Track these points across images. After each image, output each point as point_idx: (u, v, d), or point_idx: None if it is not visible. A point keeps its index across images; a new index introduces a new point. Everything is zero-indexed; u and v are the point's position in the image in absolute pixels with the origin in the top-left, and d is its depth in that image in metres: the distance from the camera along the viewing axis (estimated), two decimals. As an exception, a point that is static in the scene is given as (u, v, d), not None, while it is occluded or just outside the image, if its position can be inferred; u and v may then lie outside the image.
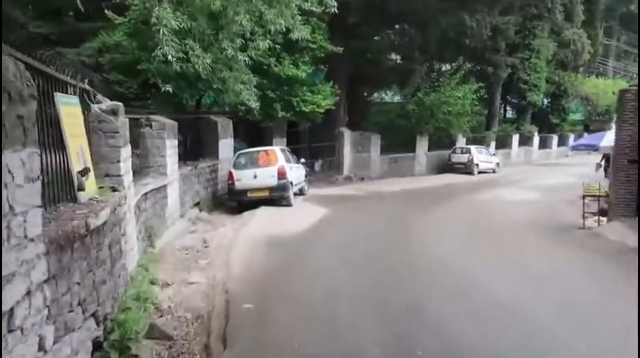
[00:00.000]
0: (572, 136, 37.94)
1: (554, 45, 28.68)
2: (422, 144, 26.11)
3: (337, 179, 21.94)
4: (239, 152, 14.27)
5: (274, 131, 17.74)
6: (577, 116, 37.78)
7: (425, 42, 21.38)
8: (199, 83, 13.51)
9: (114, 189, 6.30)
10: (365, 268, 8.22)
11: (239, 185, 13.51)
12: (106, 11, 14.47)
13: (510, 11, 24.88)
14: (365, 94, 26.57)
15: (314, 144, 21.39)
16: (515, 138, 31.83)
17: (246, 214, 13.06)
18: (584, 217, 12.62)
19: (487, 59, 25.21)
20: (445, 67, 27.19)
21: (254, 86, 12.72)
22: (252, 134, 19.31)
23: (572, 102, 35.67)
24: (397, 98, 31.02)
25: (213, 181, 14.39)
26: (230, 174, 13.63)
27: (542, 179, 23.99)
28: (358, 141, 23.41)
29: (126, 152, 7.00)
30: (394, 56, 25.29)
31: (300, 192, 15.83)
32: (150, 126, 10.29)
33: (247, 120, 17.09)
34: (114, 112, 6.53)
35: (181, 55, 9.67)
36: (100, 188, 6.23)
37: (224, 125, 14.86)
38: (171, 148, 10.70)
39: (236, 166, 13.77)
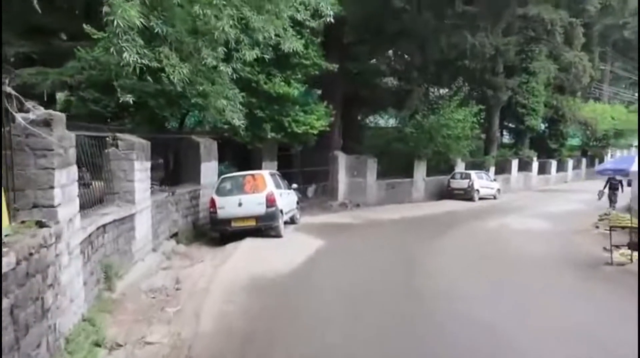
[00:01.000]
0: (570, 162, 36.79)
1: (555, 67, 27.58)
2: (420, 169, 24.66)
3: (332, 206, 20.36)
4: (223, 176, 12.70)
5: (264, 153, 16.21)
6: (575, 141, 36.68)
7: (424, 63, 20.14)
8: (180, 100, 12.01)
9: (40, 225, 4.70)
10: (370, 322, 6.58)
11: (222, 213, 11.90)
12: (85, 26, 13.05)
13: (509, 33, 23.85)
14: (359, 117, 25.24)
15: (306, 169, 19.86)
16: (515, 163, 30.53)
17: (229, 246, 11.42)
18: (611, 251, 11.11)
19: (486, 81, 24.03)
20: (444, 90, 25.91)
21: (241, 103, 11.25)
22: (239, 157, 17.77)
23: (570, 127, 34.54)
24: (392, 122, 29.71)
25: (194, 209, 12.77)
26: (213, 201, 12.03)
27: (546, 206, 22.62)
28: (353, 165, 21.93)
29: (67, 175, 5.41)
30: (391, 78, 24.08)
31: (292, 221, 14.24)
32: (117, 146, 8.73)
33: (234, 142, 15.60)
34: (46, 123, 4.98)
35: (152, 63, 8.21)
36: (22, 222, 4.64)
37: (208, 146, 13.32)
38: (141, 171, 9.12)
39: (219, 192, 12.18)
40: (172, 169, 13.29)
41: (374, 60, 21.54)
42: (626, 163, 10.22)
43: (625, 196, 20.25)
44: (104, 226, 7.30)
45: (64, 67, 13.23)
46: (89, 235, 6.51)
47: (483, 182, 25.28)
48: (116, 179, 8.61)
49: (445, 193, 25.30)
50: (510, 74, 27.63)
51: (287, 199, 13.37)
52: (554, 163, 34.42)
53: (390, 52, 22.44)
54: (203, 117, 14.60)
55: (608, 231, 16.27)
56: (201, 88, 9.83)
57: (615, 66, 46.02)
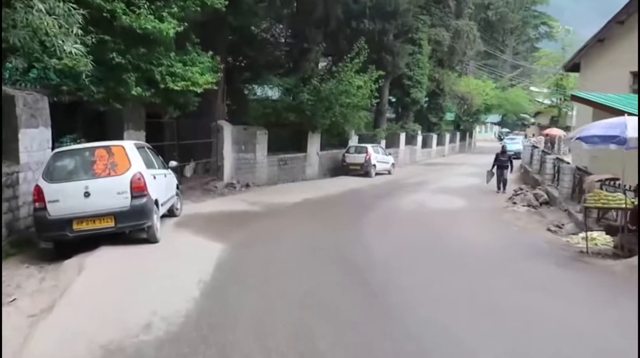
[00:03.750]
0: (447, 136, 36.24)
1: (449, 35, 25.68)
2: (313, 143, 21.17)
3: (217, 188, 15.95)
4: (57, 151, 7.69)
5: (125, 120, 11.24)
6: (449, 116, 36.17)
7: (324, 18, 16.39)
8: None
9: None
10: None
11: (55, 210, 7.06)
12: None
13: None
14: (244, 82, 20.80)
15: (183, 142, 15.14)
16: (403, 137, 28.56)
17: (70, 264, 6.70)
18: (587, 237, 8.61)
19: (385, 44, 21.07)
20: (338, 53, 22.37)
21: (82, 34, 6.54)
22: (95, 127, 12.47)
23: (448, 102, 33.68)
24: (277, 94, 25.56)
25: (9, 204, 7.69)
26: (39, 192, 7.10)
27: (443, 181, 20.63)
28: (241, 138, 17.64)
29: None
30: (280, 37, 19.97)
31: (170, 213, 9.74)
32: None
33: (88, 107, 10.51)
34: None
35: None
36: None
37: (31, 104, 8.18)
38: None
39: (51, 175, 7.25)
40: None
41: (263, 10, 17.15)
42: (616, 129, 7.55)
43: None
44: None
45: None
46: None
47: (379, 156, 22.65)
48: None
49: (341, 169, 22.26)
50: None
51: (163, 183, 8.85)
52: (434, 137, 33.38)
53: (281, 4, 18.25)
54: (30, 66, 9.26)
55: (527, 208, 14.78)
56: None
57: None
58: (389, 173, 23.39)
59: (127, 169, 7.40)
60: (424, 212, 13.15)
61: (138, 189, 7.34)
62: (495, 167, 16.91)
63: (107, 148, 7.57)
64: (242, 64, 19.75)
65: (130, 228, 7.40)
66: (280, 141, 19.64)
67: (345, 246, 8.34)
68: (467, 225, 11.30)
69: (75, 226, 7.12)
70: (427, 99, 32.66)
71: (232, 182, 17.06)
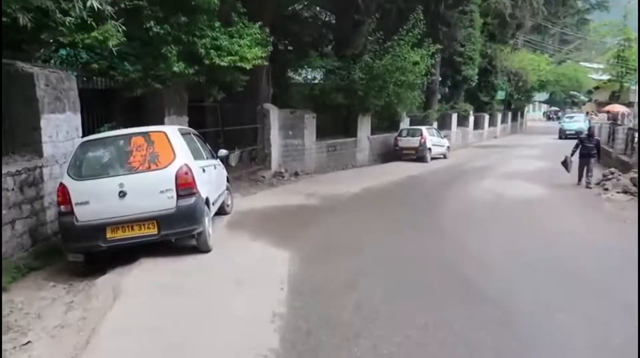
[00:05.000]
0: (499, 116, 33.56)
1: (510, 2, 23.05)
2: (364, 126, 19.27)
3: (264, 178, 14.35)
4: (85, 140, 6.13)
5: (166, 103, 9.69)
6: (500, 94, 33.34)
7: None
8: None
9: None
10: None
11: (85, 215, 5.53)
12: None
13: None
14: (287, 63, 18.99)
15: (227, 128, 13.56)
16: (454, 118, 26.26)
17: (104, 286, 5.18)
18: None
19: (441, 15, 18.82)
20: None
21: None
22: (132, 115, 10.93)
23: (500, 79, 30.93)
24: (321, 76, 23.51)
25: (31, 207, 6.22)
26: (64, 192, 5.58)
27: (508, 165, 18.41)
28: (288, 122, 15.96)
29: None
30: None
31: (220, 210, 8.12)
32: None
33: (122, 89, 9.02)
34: None
35: None
36: None
37: (55, 84, 6.67)
38: None
39: (78, 171, 5.71)
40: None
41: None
42: None
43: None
44: None
45: None
46: None
47: (435, 140, 20.54)
48: None
49: (392, 154, 20.32)
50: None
51: (214, 177, 7.23)
52: (486, 117, 30.81)
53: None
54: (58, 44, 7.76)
55: (624, 195, 12.49)
56: None
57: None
58: (445, 157, 21.29)
59: (171, 161, 5.77)
60: (504, 203, 11.16)
61: (185, 186, 5.71)
62: (578, 154, 13.01)
63: (145, 134, 5.95)
64: (286, 42, 17.96)
65: (176, 235, 5.79)
66: (328, 125, 17.83)
67: (443, 254, 6.53)
68: (566, 219, 9.29)
69: (109, 235, 5.57)
70: (477, 76, 30.14)
71: (280, 171, 15.43)
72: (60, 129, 6.81)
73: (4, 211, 5.69)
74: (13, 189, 5.86)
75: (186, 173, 5.73)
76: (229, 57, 9.04)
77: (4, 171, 5.70)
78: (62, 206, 5.57)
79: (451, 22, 19.76)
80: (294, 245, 6.65)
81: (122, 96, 9.50)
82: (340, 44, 17.60)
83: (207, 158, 7.20)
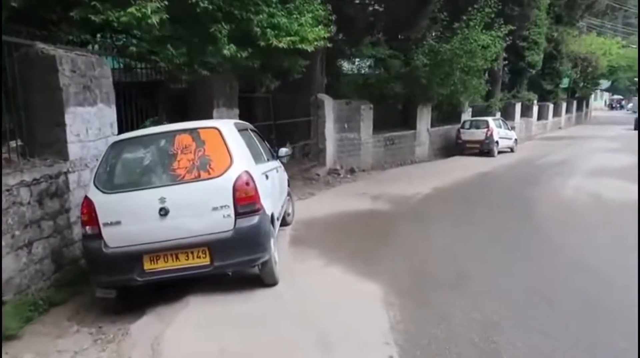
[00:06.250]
0: (564, 105, 30.72)
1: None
2: (424, 118, 17.43)
3: (319, 176, 12.85)
4: (116, 139, 4.73)
5: (215, 94, 8.29)
6: (564, 82, 30.41)
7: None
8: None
9: None
10: None
11: (116, 239, 4.14)
12: None
13: None
14: (340, 52, 17.30)
15: (280, 121, 12.09)
16: (518, 108, 23.93)
17: (141, 338, 3.78)
18: None
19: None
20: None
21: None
22: (177, 108, 9.52)
23: (565, 65, 28.12)
24: (368, 67, 21.70)
25: (54, 222, 4.92)
26: (89, 208, 4.20)
27: (589, 160, 16.13)
28: (343, 114, 14.37)
29: None
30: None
31: (281, 221, 6.62)
32: None
33: (166, 79, 7.74)
34: None
35: None
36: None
37: (84, 71, 5.34)
38: None
39: (107, 181, 4.32)
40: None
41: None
42: None
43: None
44: None
45: None
46: None
47: (502, 132, 18.47)
48: None
49: (454, 148, 18.43)
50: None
51: (277, 184, 5.73)
52: (550, 107, 28.12)
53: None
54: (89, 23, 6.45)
55: None
56: None
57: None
58: (512, 150, 19.18)
59: (227, 166, 4.27)
60: (607, 207, 9.21)
61: (246, 200, 4.21)
62: None
63: (193, 132, 4.47)
64: (339, 27, 16.27)
65: (234, 266, 4.31)
66: (384, 117, 16.11)
67: (579, 284, 4.79)
68: None
69: (147, 266, 4.15)
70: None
71: (335, 168, 13.90)
72: (91, 126, 5.47)
73: (16, 232, 4.38)
74: (29, 203, 4.55)
75: (247, 183, 4.24)
76: (288, 38, 7.50)
77: (16, 179, 4.39)
78: (87, 227, 4.20)
79: (523, 2, 17.49)
80: (382, 272, 5.06)
81: (167, 88, 8.19)
82: (399, 28, 15.76)
83: (267, 160, 5.71)
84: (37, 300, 4.48)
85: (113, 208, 4.17)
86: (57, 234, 4.97)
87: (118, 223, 4.15)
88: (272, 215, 4.72)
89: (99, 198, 4.19)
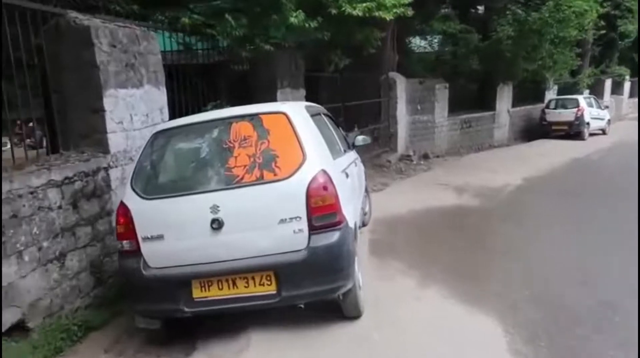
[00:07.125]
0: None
1: None
2: (504, 98, 15.59)
3: (390, 163, 11.60)
4: (158, 129, 3.72)
5: (279, 72, 7.23)
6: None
7: None
8: None
9: None
10: None
11: (158, 258, 3.20)
12: None
13: None
14: (411, 24, 15.68)
15: (348, 103, 10.89)
16: (608, 85, 21.22)
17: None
18: None
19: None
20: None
21: None
22: (240, 88, 8.51)
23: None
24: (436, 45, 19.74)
25: (92, 228, 4.08)
26: (126, 218, 3.25)
27: None
28: (416, 95, 12.94)
29: None
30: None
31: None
32: None
33: (226, 59, 6.78)
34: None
35: None
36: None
37: (126, 46, 4.43)
38: None
39: (148, 183, 3.36)
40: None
41: None
42: None
43: None
44: None
45: None
46: None
47: (594, 111, 16.25)
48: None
49: (537, 130, 16.45)
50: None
51: (356, 181, 4.59)
52: (643, 83, 24.90)
53: None
54: None
55: None
56: None
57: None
58: (604, 132, 16.89)
59: (299, 164, 3.15)
60: None
61: (324, 210, 3.09)
62: None
63: (253, 118, 3.38)
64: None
65: (308, 298, 3.20)
66: (457, 98, 14.46)
67: None
68: None
69: (196, 293, 3.17)
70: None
71: (407, 153, 12.56)
72: (136, 111, 4.56)
73: (44, 243, 3.54)
74: (60, 207, 3.69)
75: (325, 188, 3.11)
76: (364, 4, 6.25)
77: (41, 179, 3.53)
78: (123, 243, 3.26)
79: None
80: (494, 299, 3.81)
81: (228, 69, 7.22)
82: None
83: (344, 152, 4.56)
84: (71, 324, 3.64)
85: (154, 218, 3.20)
86: (97, 242, 4.12)
87: (160, 237, 3.17)
88: (355, 226, 3.57)
89: (137, 205, 3.23)
